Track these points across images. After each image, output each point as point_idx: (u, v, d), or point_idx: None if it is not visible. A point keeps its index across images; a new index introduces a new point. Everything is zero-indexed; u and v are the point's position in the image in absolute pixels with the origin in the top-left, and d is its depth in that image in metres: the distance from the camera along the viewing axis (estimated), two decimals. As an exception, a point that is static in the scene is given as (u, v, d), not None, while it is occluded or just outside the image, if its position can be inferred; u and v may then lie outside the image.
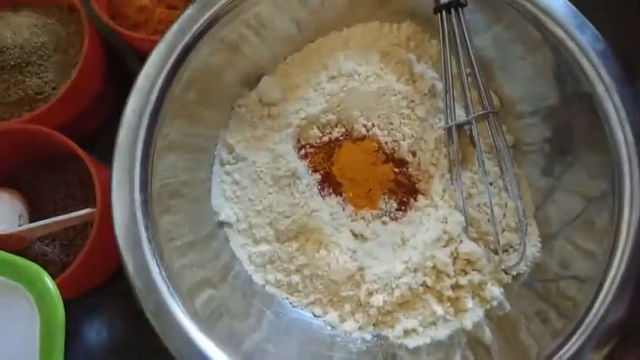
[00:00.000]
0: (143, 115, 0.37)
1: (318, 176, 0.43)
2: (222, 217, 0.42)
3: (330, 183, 0.43)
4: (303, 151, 0.44)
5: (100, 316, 0.46)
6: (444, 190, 0.41)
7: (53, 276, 0.34)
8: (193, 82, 0.39)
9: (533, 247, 0.40)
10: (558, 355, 0.33)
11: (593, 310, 0.34)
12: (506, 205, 0.41)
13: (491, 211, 0.39)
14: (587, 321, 0.34)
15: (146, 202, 0.36)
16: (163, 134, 0.38)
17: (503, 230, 0.41)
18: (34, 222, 0.42)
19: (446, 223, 0.40)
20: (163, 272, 0.34)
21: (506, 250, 0.41)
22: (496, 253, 0.40)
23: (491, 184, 0.41)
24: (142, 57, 0.51)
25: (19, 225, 0.43)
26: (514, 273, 0.41)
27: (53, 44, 0.45)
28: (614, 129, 0.36)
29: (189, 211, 0.40)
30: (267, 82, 0.44)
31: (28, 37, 0.44)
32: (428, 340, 0.39)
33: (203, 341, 0.33)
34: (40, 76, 0.44)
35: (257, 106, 0.44)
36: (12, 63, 0.44)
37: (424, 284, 0.39)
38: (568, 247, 0.39)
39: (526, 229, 0.40)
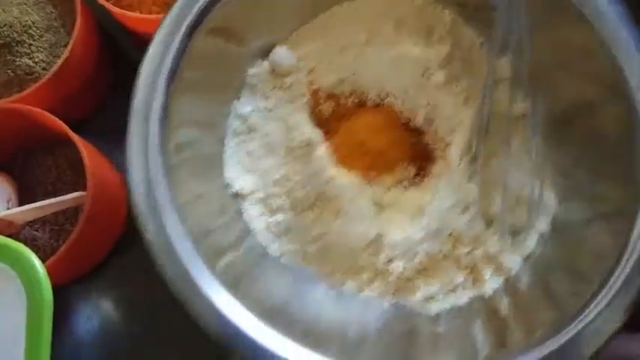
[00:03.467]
0: (157, 80, 0.36)
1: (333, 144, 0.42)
2: (236, 188, 0.42)
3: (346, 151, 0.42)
4: (317, 121, 0.43)
5: (89, 303, 0.45)
6: (461, 158, 0.41)
7: (42, 261, 0.33)
8: (206, 51, 0.39)
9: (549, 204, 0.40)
10: (576, 322, 0.33)
11: (612, 281, 0.33)
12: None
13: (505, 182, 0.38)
14: (605, 292, 0.33)
15: (164, 167, 0.35)
16: (177, 103, 0.37)
17: (516, 201, 0.40)
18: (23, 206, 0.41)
19: (463, 190, 0.40)
20: (183, 238, 0.34)
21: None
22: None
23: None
24: (136, 39, 0.50)
25: (8, 209, 0.42)
26: (527, 243, 0.40)
27: (44, 23, 0.44)
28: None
29: (203, 183, 0.40)
30: (280, 52, 0.43)
31: (18, 15, 0.43)
32: (447, 306, 0.39)
33: (226, 306, 0.33)
34: (30, 56, 0.43)
35: (269, 76, 0.44)
36: (1, 42, 0.42)
37: (443, 251, 0.39)
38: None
39: (539, 196, 0.39)
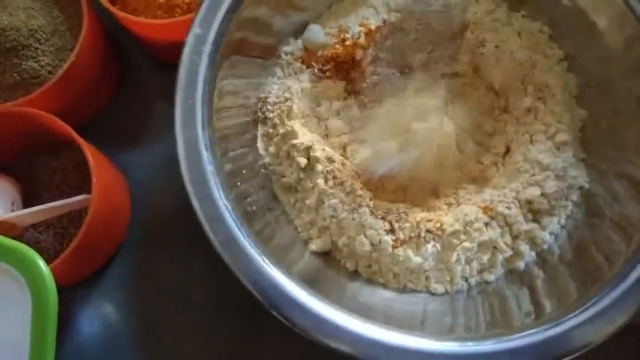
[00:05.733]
0: (200, 61, 0.38)
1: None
2: (266, 160, 0.43)
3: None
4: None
5: (92, 305, 0.45)
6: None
7: (46, 263, 0.34)
8: (243, 30, 0.40)
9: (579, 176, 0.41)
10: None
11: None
12: None
13: None
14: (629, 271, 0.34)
15: (210, 140, 0.36)
16: (220, 78, 0.39)
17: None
18: (27, 208, 0.41)
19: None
20: (229, 206, 0.35)
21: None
22: None
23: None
24: (141, 44, 0.50)
25: (12, 211, 0.42)
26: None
27: (50, 27, 0.44)
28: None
29: (242, 155, 0.42)
30: (313, 29, 0.45)
31: (25, 19, 0.43)
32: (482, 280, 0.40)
33: (270, 268, 0.34)
34: (36, 59, 0.43)
35: (302, 53, 0.45)
36: (8, 46, 0.42)
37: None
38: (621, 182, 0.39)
39: None
